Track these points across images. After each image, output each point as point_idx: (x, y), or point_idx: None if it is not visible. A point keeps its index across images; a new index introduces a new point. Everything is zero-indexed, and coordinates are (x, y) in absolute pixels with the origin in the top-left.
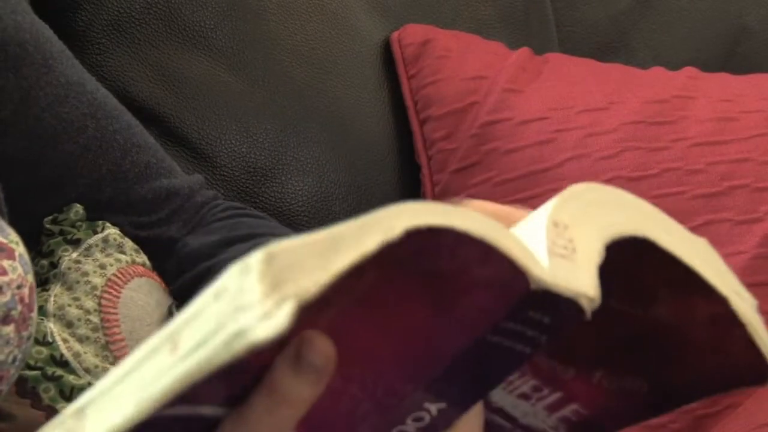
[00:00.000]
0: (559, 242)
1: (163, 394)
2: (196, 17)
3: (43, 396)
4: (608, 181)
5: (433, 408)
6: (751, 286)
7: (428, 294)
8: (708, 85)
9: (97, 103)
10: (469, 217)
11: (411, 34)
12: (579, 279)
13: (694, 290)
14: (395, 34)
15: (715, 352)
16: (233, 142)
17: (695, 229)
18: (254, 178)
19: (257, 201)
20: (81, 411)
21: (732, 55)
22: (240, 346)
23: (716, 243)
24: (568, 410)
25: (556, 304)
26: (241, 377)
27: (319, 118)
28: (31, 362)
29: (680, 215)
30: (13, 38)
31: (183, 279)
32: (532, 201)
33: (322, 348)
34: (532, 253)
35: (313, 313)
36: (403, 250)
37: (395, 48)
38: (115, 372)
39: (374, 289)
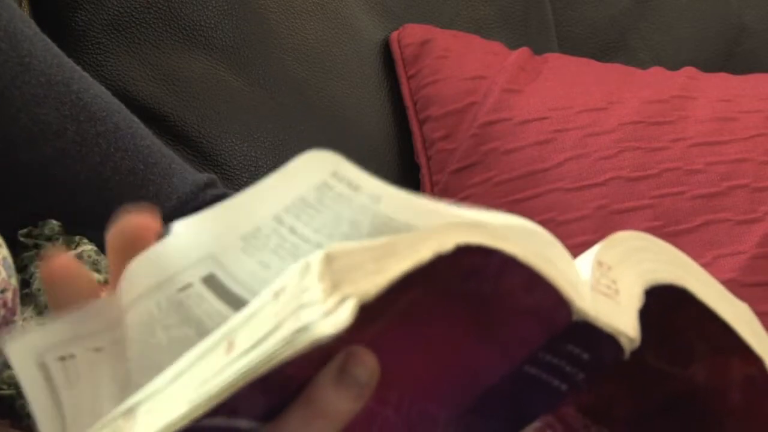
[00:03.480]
0: (602, 281)
1: (222, 391)
2: (196, 16)
3: (21, 412)
4: (608, 181)
5: None
6: (751, 286)
7: (470, 317)
8: (707, 85)
9: (81, 104)
10: (520, 242)
11: (410, 34)
12: (620, 318)
13: (730, 348)
14: (394, 34)
15: (748, 414)
16: (234, 140)
17: (695, 230)
18: (255, 176)
19: None
20: (131, 411)
21: (731, 54)
22: (303, 342)
23: (716, 243)
24: None
25: (595, 340)
26: (281, 390)
27: (319, 117)
28: (4, 387)
29: (680, 215)
30: None
31: None
32: (532, 201)
33: (367, 362)
34: (576, 285)
35: (358, 328)
36: (451, 268)
37: (394, 48)
38: (167, 372)
39: (418, 306)
